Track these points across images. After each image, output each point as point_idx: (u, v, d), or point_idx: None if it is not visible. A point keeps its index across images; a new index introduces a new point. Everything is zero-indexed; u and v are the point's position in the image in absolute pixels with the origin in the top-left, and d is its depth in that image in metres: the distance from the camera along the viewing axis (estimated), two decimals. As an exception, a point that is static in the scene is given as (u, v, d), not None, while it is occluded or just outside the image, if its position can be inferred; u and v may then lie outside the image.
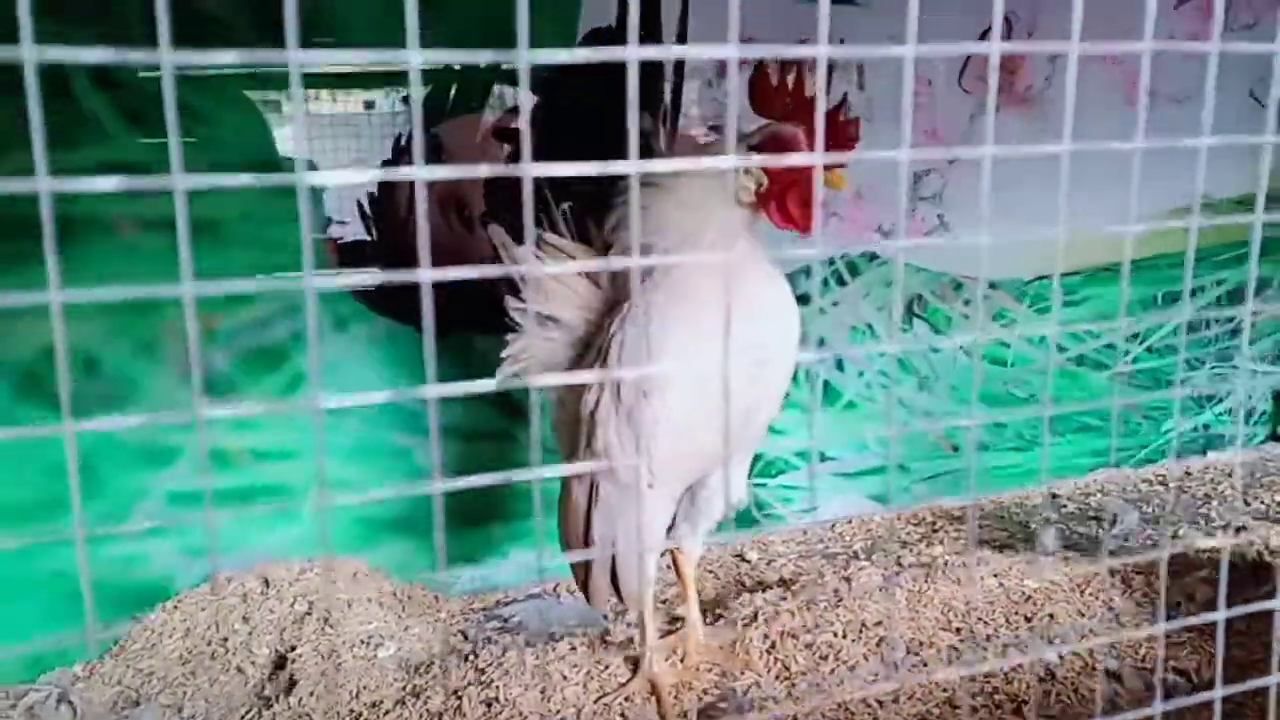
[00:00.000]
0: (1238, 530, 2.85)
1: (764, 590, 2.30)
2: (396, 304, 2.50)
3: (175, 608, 2.39)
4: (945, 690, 1.90)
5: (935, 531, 2.95)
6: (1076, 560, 2.51)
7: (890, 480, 3.11)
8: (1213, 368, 3.57)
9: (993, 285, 3.20)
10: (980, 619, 2.17)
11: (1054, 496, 3.24)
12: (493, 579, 2.72)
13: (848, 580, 2.29)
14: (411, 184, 2.49)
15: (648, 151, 1.71)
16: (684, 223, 1.61)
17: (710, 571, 2.67)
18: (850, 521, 3.02)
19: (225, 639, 2.28)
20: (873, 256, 3.03)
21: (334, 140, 2.51)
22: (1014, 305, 3.22)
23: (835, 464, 3.07)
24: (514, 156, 2.60)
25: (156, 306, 2.34)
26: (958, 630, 2.12)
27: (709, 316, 1.51)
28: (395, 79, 2.53)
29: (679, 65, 2.41)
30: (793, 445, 3.00)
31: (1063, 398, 3.32)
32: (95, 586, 2.36)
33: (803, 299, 3.00)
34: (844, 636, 2.06)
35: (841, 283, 3.02)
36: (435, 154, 2.48)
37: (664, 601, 2.40)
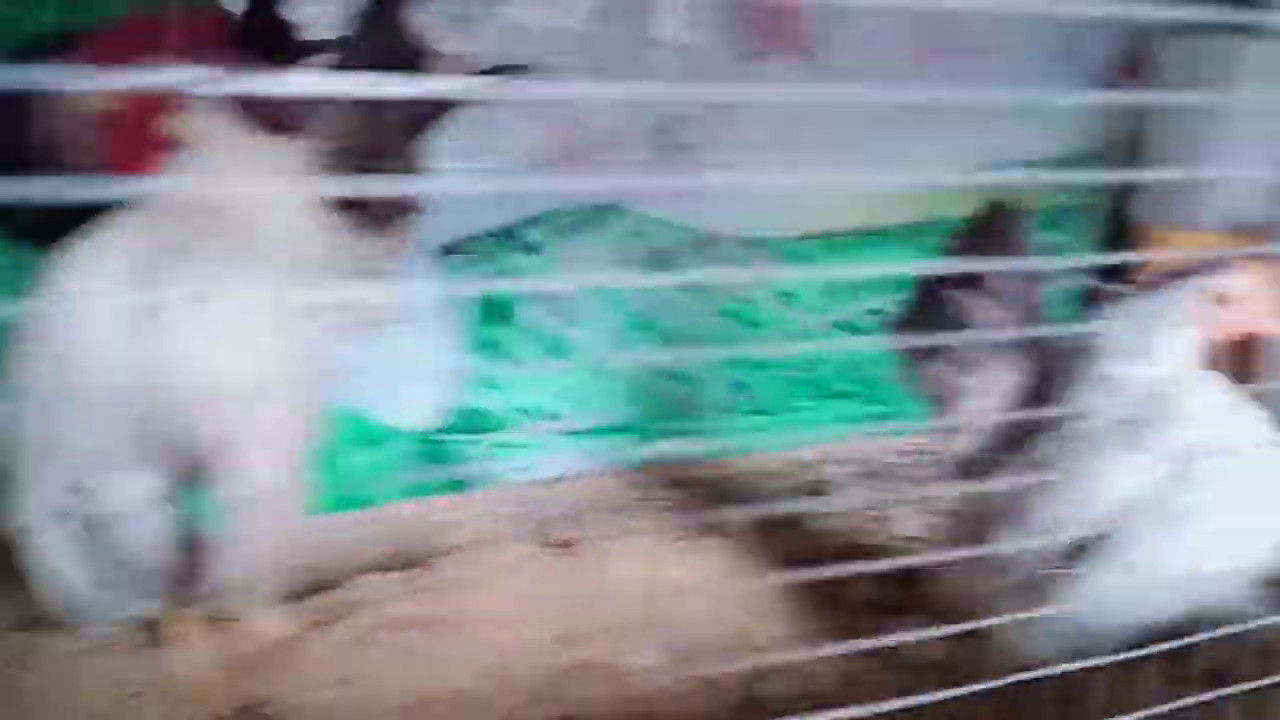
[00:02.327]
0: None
1: (392, 570, 2.20)
2: None
3: None
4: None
5: (647, 500, 2.86)
6: (755, 543, 2.44)
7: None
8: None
9: (751, 243, 3.05)
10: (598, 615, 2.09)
11: (803, 466, 3.16)
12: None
13: (477, 562, 2.20)
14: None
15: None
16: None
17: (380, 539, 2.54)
18: (564, 482, 2.91)
19: None
20: (611, 207, 2.86)
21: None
22: (772, 265, 3.08)
23: (563, 422, 2.96)
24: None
25: None
26: (560, 637, 2.02)
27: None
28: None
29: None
30: (513, 401, 2.88)
31: (820, 363, 3.21)
32: None
33: (532, 248, 2.85)
34: (435, 633, 1.97)
35: (576, 235, 2.84)
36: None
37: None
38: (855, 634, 2.25)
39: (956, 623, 1.86)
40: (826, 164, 2.91)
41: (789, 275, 3.05)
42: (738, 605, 2.24)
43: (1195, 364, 1.63)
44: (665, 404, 3.04)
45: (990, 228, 2.01)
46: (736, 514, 2.64)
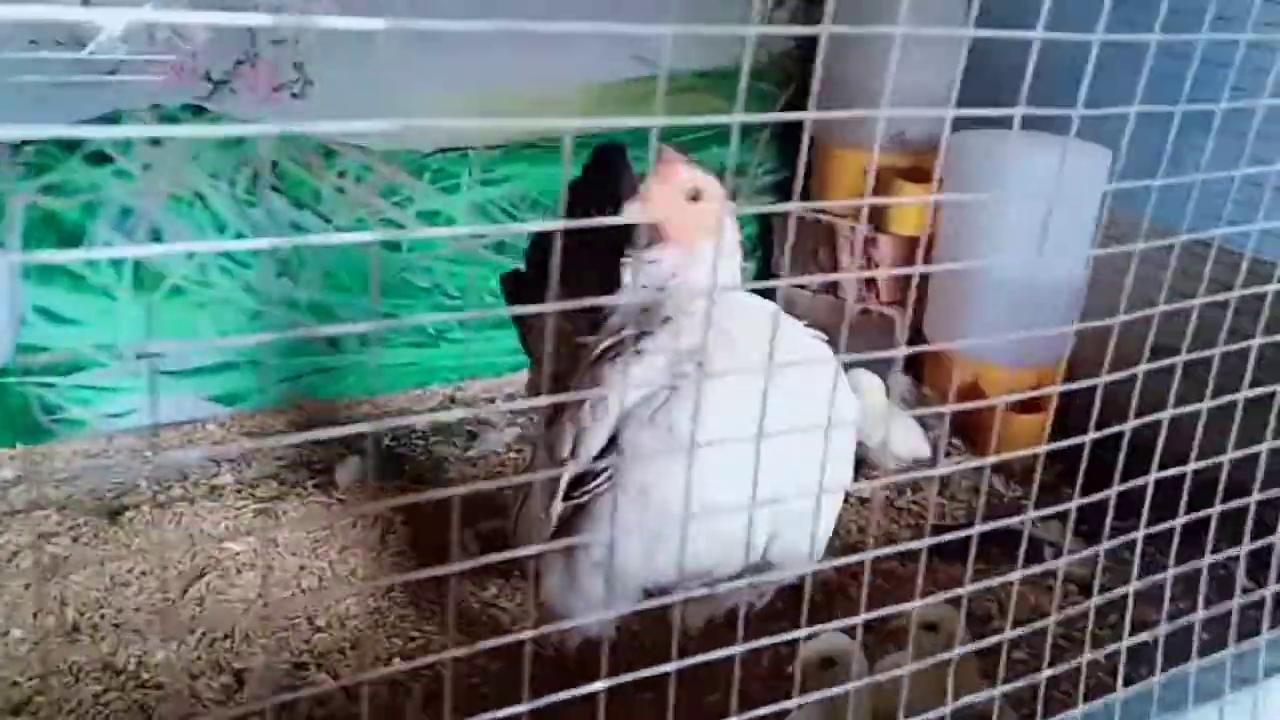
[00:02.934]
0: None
1: None
2: None
3: None
4: None
5: (258, 450, 2.54)
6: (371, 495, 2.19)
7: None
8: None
9: (380, 155, 2.70)
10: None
11: (452, 401, 2.91)
12: None
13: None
14: None
15: None
16: None
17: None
18: (171, 429, 2.55)
19: None
20: (199, 110, 2.44)
21: None
22: (409, 180, 2.76)
23: (160, 361, 2.57)
24: None
25: None
26: (68, 631, 1.71)
27: None
28: None
29: None
30: (92, 337, 2.46)
31: (480, 289, 2.94)
32: None
33: (104, 158, 2.39)
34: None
35: (155, 142, 2.41)
36: None
37: None
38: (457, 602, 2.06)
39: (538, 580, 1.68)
40: (459, 69, 2.61)
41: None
42: (313, 577, 1.99)
43: (707, 278, 1.49)
44: (292, 338, 2.69)
45: (600, 171, 1.91)
46: (351, 468, 2.38)
